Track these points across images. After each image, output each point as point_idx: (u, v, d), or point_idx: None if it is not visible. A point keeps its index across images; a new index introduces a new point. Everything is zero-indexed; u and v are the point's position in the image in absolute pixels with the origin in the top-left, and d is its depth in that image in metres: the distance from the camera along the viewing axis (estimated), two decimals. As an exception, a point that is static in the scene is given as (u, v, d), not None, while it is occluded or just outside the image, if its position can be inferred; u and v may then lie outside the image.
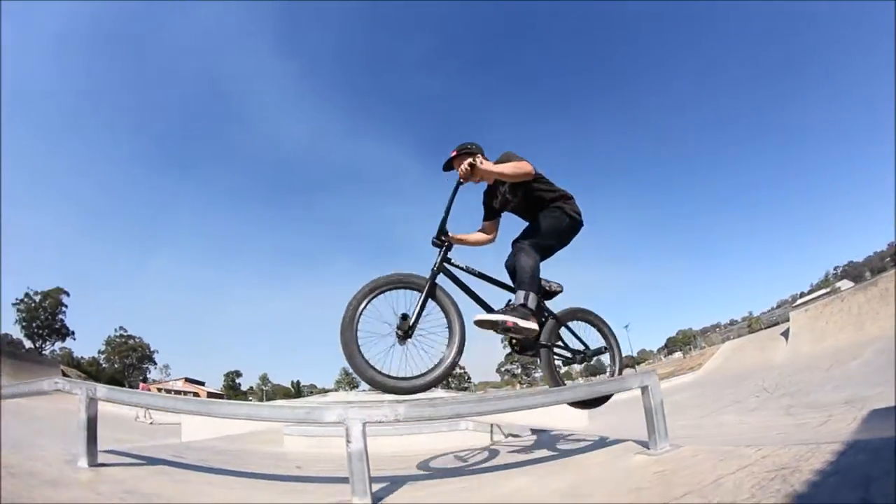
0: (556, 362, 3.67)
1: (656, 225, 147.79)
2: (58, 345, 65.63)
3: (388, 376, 3.05)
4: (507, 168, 3.52)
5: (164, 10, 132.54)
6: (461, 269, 3.47)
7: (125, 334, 75.29)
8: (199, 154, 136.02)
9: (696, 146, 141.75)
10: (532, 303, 3.38)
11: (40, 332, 63.39)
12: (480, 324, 3.27)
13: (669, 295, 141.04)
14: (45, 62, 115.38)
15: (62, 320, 65.16)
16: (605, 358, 4.02)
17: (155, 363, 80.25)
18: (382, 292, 3.22)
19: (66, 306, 65.37)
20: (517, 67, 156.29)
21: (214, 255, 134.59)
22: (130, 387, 56.53)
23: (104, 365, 72.03)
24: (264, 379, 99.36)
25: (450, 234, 3.61)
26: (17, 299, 61.79)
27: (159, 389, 78.94)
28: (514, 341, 3.52)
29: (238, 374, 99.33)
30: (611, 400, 3.47)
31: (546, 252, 3.69)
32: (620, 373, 3.82)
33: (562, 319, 3.74)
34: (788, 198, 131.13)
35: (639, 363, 74.73)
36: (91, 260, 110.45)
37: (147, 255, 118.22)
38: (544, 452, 3.53)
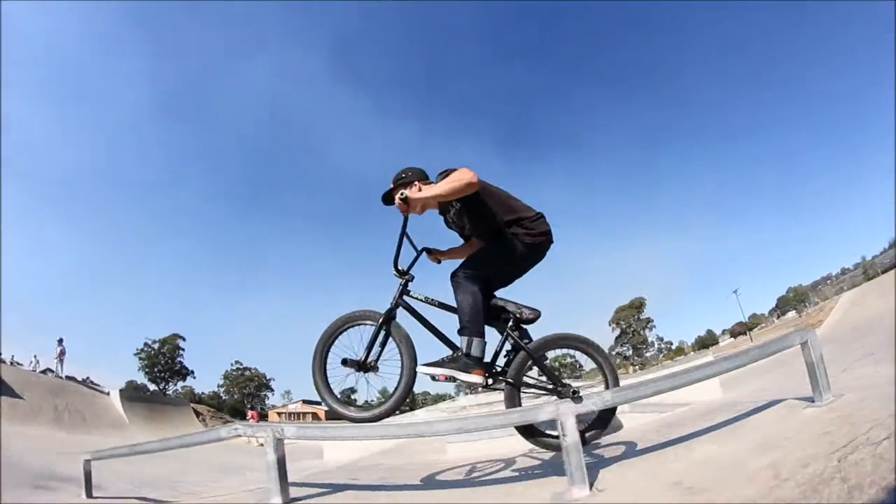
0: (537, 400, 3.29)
1: (746, 180, 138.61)
2: (179, 384, 71.83)
3: (356, 409, 3.41)
4: (442, 187, 3.19)
5: (225, 60, 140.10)
6: (421, 300, 3.36)
7: (241, 367, 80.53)
8: (289, 187, 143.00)
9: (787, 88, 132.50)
10: (476, 349, 3.15)
11: (162, 374, 69.65)
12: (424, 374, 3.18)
13: (772, 254, 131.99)
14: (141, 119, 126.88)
15: (181, 362, 71.29)
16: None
17: (272, 390, 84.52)
18: (343, 332, 3.42)
19: (183, 349, 71.53)
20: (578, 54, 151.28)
21: (312, 277, 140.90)
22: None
23: (224, 397, 78.04)
24: (384, 392, 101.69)
25: (437, 250, 3.70)
26: (137, 349, 69.15)
27: (279, 414, 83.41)
28: None
29: (353, 390, 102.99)
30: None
31: (493, 282, 3.43)
32: None
33: (535, 352, 3.30)
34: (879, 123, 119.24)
35: (751, 329, 70.97)
36: (199, 302, 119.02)
37: (248, 289, 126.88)
38: (706, 423, 3.37)
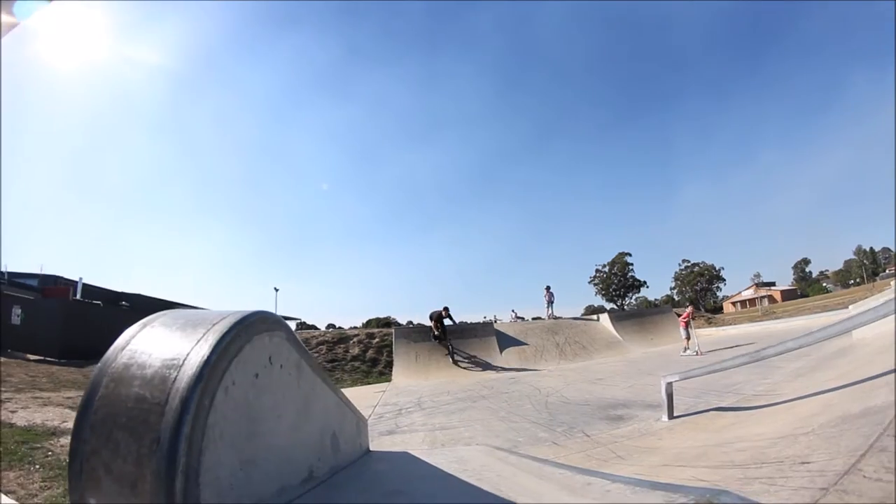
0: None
1: None
2: (634, 297, 78.05)
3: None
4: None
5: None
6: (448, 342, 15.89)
7: (689, 264, 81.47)
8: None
9: None
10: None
11: (618, 291, 76.37)
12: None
13: None
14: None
15: (632, 276, 76.63)
16: None
17: (724, 280, 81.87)
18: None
19: (632, 264, 77.45)
20: None
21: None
22: (710, 311, 60.78)
23: (677, 298, 79.66)
24: (860, 251, 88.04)
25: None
26: (590, 277, 79.85)
27: (734, 304, 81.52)
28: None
29: (806, 261, 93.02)
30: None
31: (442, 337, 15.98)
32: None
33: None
34: None
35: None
36: (630, 219, 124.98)
37: (672, 185, 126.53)
38: None
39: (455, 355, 15.52)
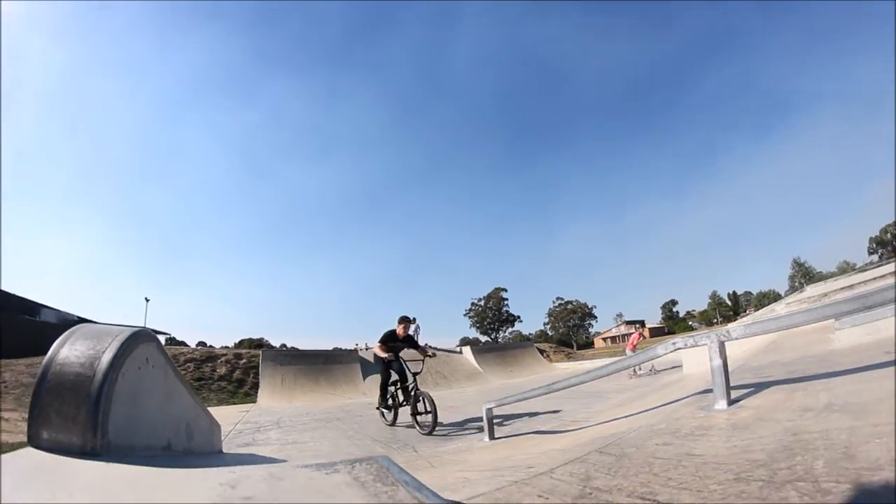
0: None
1: None
2: (508, 330, 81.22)
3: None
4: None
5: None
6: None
7: (563, 301, 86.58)
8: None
9: None
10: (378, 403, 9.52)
11: (492, 325, 79.34)
12: None
13: None
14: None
15: (507, 311, 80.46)
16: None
17: (595, 317, 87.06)
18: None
19: (507, 299, 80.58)
20: None
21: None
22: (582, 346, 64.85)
23: (551, 333, 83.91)
24: (715, 296, 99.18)
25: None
26: (466, 310, 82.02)
27: (604, 339, 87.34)
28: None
29: (674, 302, 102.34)
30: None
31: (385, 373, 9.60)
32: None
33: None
34: None
35: None
36: (509, 253, 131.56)
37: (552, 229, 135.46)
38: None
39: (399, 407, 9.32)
